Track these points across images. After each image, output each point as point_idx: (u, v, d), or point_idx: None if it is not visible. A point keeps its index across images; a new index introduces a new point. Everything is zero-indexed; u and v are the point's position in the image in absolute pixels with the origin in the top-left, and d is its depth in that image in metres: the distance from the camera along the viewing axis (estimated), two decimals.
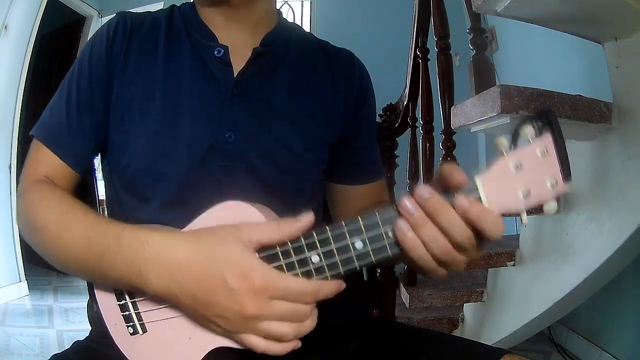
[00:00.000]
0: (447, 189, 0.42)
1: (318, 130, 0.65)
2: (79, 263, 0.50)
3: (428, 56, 1.60)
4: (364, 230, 0.44)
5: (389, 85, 1.86)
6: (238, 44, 0.62)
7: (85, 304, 0.72)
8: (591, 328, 1.83)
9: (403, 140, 1.82)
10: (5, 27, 2.52)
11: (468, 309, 1.60)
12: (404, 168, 1.79)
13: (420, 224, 0.42)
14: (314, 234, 0.45)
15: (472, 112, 1.08)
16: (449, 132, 1.36)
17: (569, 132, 1.13)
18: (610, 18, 1.00)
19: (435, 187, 0.42)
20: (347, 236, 0.44)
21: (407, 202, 0.42)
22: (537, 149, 0.41)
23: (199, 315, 0.46)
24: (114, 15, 0.64)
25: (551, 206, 0.43)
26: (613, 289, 1.46)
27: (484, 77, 1.36)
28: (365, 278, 0.98)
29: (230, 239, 0.45)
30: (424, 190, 0.41)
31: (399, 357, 0.59)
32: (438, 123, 1.44)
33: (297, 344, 0.46)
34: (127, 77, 0.60)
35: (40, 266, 3.22)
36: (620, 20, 1.00)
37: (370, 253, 0.44)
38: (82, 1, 3.21)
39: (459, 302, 1.50)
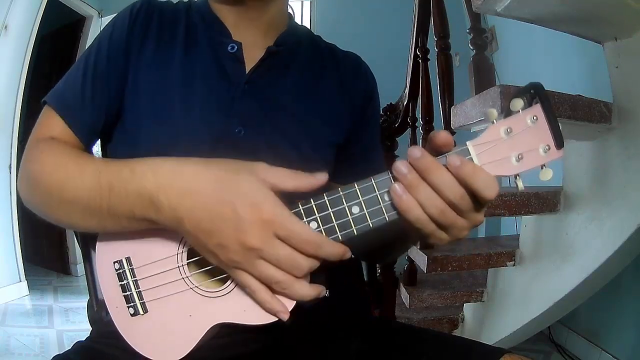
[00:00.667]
0: (438, 152, 0.43)
1: (326, 131, 0.66)
2: (87, 203, 0.49)
3: (428, 56, 1.60)
4: (359, 194, 0.44)
5: (389, 85, 1.85)
6: (251, 42, 0.63)
7: (85, 304, 0.72)
8: (591, 328, 1.83)
9: (403, 140, 1.82)
10: (5, 27, 2.52)
11: (468, 309, 1.60)
12: None
13: (414, 185, 0.42)
14: (311, 200, 0.45)
15: (472, 112, 1.08)
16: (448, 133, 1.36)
17: (569, 132, 1.13)
18: (610, 18, 1.00)
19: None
20: (344, 200, 0.45)
21: (400, 165, 0.42)
22: (526, 117, 0.43)
23: (200, 244, 0.46)
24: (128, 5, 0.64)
25: (546, 172, 0.43)
26: (613, 289, 1.47)
27: (484, 77, 1.37)
28: (365, 278, 0.98)
29: (245, 170, 0.45)
30: (415, 149, 0.42)
31: (399, 357, 0.59)
32: (438, 123, 1.44)
33: (285, 314, 0.46)
34: (144, 62, 0.61)
35: (40, 266, 3.23)
36: (620, 20, 1.00)
37: (367, 216, 0.45)
38: (82, 1, 3.21)
39: (459, 302, 1.51)
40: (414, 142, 1.77)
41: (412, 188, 0.42)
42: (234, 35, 0.63)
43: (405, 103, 1.75)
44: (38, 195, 0.54)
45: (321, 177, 0.46)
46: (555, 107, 0.98)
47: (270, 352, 0.58)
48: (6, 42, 2.56)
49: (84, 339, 0.64)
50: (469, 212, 0.43)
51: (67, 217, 0.52)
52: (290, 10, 0.73)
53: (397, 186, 0.43)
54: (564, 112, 0.99)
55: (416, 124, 1.73)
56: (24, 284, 2.75)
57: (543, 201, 1.20)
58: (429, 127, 1.51)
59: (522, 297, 1.34)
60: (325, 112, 0.67)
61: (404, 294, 1.50)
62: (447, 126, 1.31)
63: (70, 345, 0.62)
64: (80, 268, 3.19)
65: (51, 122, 0.59)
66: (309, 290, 0.46)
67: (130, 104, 0.60)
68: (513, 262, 1.35)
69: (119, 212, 0.48)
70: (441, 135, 0.42)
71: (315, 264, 0.45)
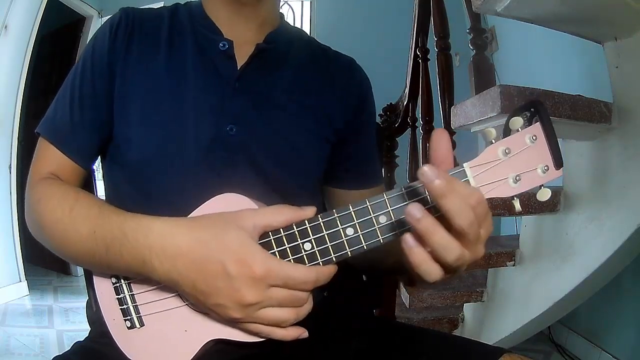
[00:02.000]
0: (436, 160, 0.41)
1: (319, 127, 0.66)
2: (87, 257, 0.51)
3: (428, 56, 1.60)
4: (354, 216, 0.44)
5: (389, 85, 1.86)
6: (242, 40, 0.63)
7: (85, 304, 0.72)
8: (591, 328, 1.83)
9: (403, 140, 1.82)
10: (5, 27, 2.52)
11: (468, 309, 1.60)
12: (404, 168, 1.79)
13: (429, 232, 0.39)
14: (306, 222, 0.46)
15: (472, 112, 1.08)
16: (449, 132, 1.36)
17: (569, 132, 1.13)
18: (610, 18, 1.00)
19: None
20: (338, 222, 0.45)
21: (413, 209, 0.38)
22: (525, 136, 0.42)
23: (200, 304, 0.47)
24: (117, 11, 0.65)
25: (544, 192, 0.43)
26: (613, 289, 1.46)
27: (484, 77, 1.36)
28: (364, 278, 0.98)
29: (231, 225, 0.45)
30: (414, 210, 0.38)
31: (398, 356, 0.59)
32: (438, 123, 1.44)
33: (303, 333, 0.47)
34: (129, 70, 0.60)
35: (40, 266, 3.23)
36: (620, 20, 1.00)
37: (361, 238, 0.44)
38: (82, 1, 3.20)
39: (459, 302, 1.50)
40: (413, 142, 1.77)
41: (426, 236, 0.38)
42: (226, 34, 0.63)
43: (405, 103, 1.76)
44: (43, 241, 0.56)
45: (309, 211, 0.46)
46: (555, 107, 0.98)
47: (269, 352, 0.58)
48: (6, 42, 2.55)
49: (82, 339, 0.64)
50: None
51: (74, 262, 0.56)
52: (290, 11, 0.73)
53: (409, 238, 0.39)
54: (564, 112, 0.99)
55: (416, 124, 1.73)
56: (24, 284, 2.75)
57: (543, 201, 1.19)
58: (429, 127, 1.51)
59: (522, 297, 1.34)
60: (317, 108, 0.66)
61: (404, 294, 1.50)
62: (447, 126, 1.32)
63: (70, 345, 0.62)
64: (80, 268, 3.18)
65: (47, 154, 0.60)
66: (312, 303, 0.47)
67: (119, 114, 0.60)
68: (513, 262, 1.35)
69: (118, 268, 0.50)
70: (442, 151, 0.40)
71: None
